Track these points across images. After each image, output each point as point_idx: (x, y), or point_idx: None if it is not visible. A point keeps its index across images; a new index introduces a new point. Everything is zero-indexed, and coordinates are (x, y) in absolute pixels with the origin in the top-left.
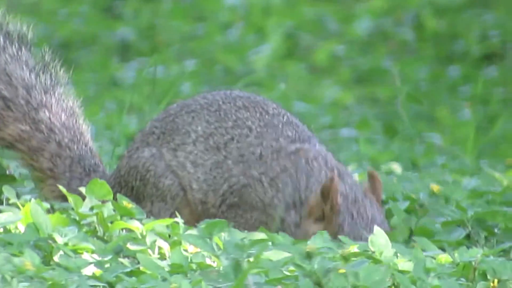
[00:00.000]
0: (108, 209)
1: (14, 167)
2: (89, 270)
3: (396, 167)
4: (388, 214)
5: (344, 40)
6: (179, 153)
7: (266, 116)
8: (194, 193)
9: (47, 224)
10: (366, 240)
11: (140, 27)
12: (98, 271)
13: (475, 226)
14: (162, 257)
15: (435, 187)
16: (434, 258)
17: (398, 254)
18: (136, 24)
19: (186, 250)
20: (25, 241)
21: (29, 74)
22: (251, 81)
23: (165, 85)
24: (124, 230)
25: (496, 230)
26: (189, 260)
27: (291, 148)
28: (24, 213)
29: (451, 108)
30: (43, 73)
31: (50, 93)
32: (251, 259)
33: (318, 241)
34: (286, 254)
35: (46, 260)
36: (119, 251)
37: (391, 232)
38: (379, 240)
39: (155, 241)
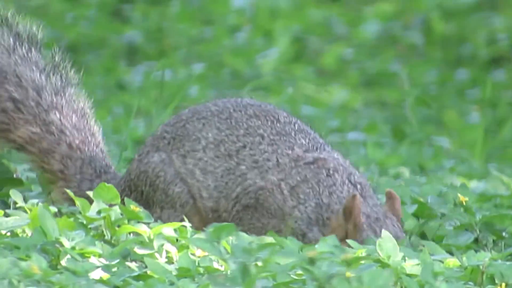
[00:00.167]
0: (115, 213)
1: (21, 170)
2: (96, 274)
3: (404, 171)
4: None
5: (352, 44)
6: (188, 160)
7: (278, 124)
8: (204, 201)
9: (54, 228)
10: None
11: (147, 30)
12: (105, 275)
13: (483, 230)
14: (170, 261)
15: (462, 198)
16: (442, 262)
17: (406, 258)
18: (144, 28)
19: (193, 254)
20: (32, 245)
21: (39, 75)
22: (259, 84)
23: (173, 88)
24: (131, 234)
25: (504, 234)
26: (196, 264)
27: (309, 158)
28: (32, 217)
29: (460, 112)
30: (53, 74)
31: (61, 94)
32: (259, 263)
33: (323, 246)
34: (294, 258)
35: (53, 264)
36: (126, 255)
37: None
38: (387, 244)
39: (162, 245)
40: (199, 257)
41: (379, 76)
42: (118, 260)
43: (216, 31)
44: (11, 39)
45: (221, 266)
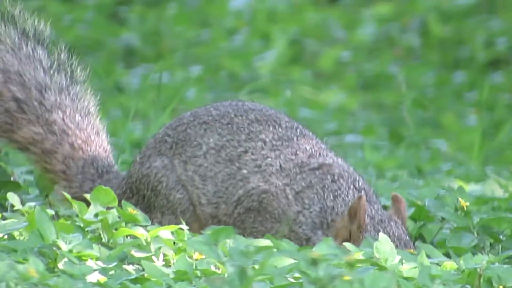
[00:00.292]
0: (112, 216)
1: (18, 173)
2: (93, 277)
3: (402, 174)
4: None
5: (349, 46)
6: (189, 166)
7: (280, 130)
8: (203, 208)
9: (51, 231)
10: None
11: (145, 33)
12: (102, 278)
13: (481, 232)
14: (167, 264)
15: (463, 203)
16: (439, 265)
17: (403, 261)
18: (141, 30)
19: (191, 257)
20: (30, 248)
21: (44, 74)
22: (256, 87)
23: (170, 91)
24: (128, 237)
25: (501, 237)
26: (194, 267)
27: (314, 164)
28: (29, 220)
29: (457, 114)
30: (58, 72)
31: (65, 93)
32: (256, 266)
33: (323, 248)
34: (291, 261)
35: (51, 267)
36: (123, 258)
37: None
38: (384, 247)
39: (160, 248)
40: (196, 260)
41: (377, 78)
42: (115, 263)
43: (213, 33)
44: (17, 37)
45: (219, 269)
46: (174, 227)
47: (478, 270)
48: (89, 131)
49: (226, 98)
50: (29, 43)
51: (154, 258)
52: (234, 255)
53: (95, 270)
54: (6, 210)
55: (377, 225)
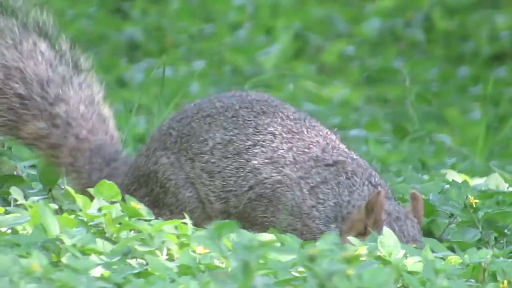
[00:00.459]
0: (116, 210)
1: (21, 168)
2: (97, 272)
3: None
4: None
5: (353, 41)
6: (196, 164)
7: (288, 122)
8: (212, 205)
9: (55, 225)
10: None
11: (148, 27)
12: (106, 273)
13: (485, 227)
14: (171, 258)
15: (472, 200)
16: (444, 259)
17: (407, 255)
18: (144, 25)
19: (194, 251)
20: (33, 243)
21: (45, 67)
22: (260, 81)
23: (174, 85)
24: (132, 231)
25: (506, 231)
26: (197, 261)
27: (328, 160)
28: (32, 214)
29: (461, 109)
30: (60, 64)
31: (68, 85)
32: (260, 261)
33: (325, 243)
34: (295, 256)
35: (54, 262)
36: (127, 253)
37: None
38: (388, 241)
39: (163, 242)
40: (200, 254)
41: (381, 73)
42: (119, 258)
43: (216, 28)
44: (18, 31)
45: (222, 263)
46: (177, 222)
47: (483, 264)
48: (94, 120)
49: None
50: (31, 36)
51: (157, 252)
52: (238, 250)
53: (99, 264)
54: (9, 205)
55: (393, 222)
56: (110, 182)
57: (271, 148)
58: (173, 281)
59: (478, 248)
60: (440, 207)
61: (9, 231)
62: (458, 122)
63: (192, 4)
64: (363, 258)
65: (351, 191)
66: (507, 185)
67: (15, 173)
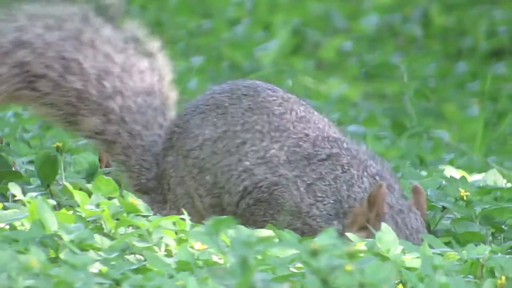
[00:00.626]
0: (114, 206)
1: (20, 163)
2: (95, 267)
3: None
4: None
5: (351, 36)
6: (188, 160)
7: (274, 118)
8: (202, 199)
9: (53, 221)
10: None
11: (146, 23)
12: (104, 268)
13: (483, 223)
14: (169, 254)
15: (463, 193)
16: (442, 255)
17: (406, 251)
18: (142, 20)
19: (192, 247)
20: (31, 238)
21: (104, 57)
22: (258, 77)
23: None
24: (130, 227)
25: (504, 227)
26: (195, 257)
27: (321, 155)
28: (30, 210)
29: (459, 105)
30: (122, 51)
31: (127, 75)
32: (259, 256)
33: (325, 238)
34: (294, 251)
35: (52, 258)
36: (125, 248)
37: None
38: (387, 237)
39: (161, 238)
40: (198, 250)
41: (379, 68)
42: (117, 254)
43: (215, 23)
44: (78, 20)
45: (220, 259)
46: (175, 218)
47: (481, 260)
48: (150, 114)
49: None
50: (91, 24)
51: (156, 248)
52: (236, 245)
53: (97, 260)
54: (7, 200)
55: (396, 215)
56: (108, 178)
57: (261, 146)
58: (171, 277)
59: (476, 244)
60: (437, 203)
61: (7, 227)
62: (456, 118)
63: (190, 0)
64: (362, 255)
65: (350, 184)
66: (505, 181)
67: (13, 168)
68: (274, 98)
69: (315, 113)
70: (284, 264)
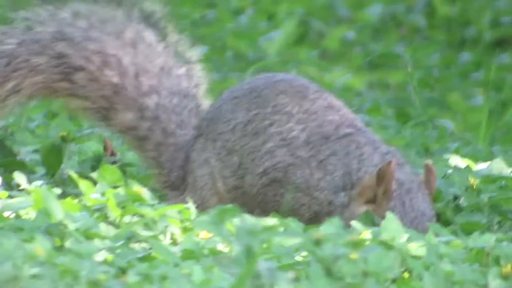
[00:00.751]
0: (119, 195)
1: (25, 152)
2: (100, 256)
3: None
4: None
5: (355, 26)
6: (217, 143)
7: (306, 102)
8: (226, 180)
9: (58, 210)
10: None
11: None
12: (109, 257)
13: (489, 211)
14: (174, 243)
15: (474, 181)
16: (447, 244)
17: (411, 240)
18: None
19: (198, 236)
20: (36, 227)
21: (144, 57)
22: (263, 67)
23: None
24: (135, 216)
25: (510, 216)
26: (201, 246)
27: (339, 134)
28: (35, 199)
29: (463, 94)
30: (162, 54)
31: (165, 76)
32: (264, 245)
33: (329, 227)
34: (298, 240)
35: (58, 246)
36: (130, 237)
37: None
38: (392, 225)
39: (166, 227)
40: (203, 239)
41: (383, 58)
42: (122, 242)
43: (219, 13)
44: (121, 21)
45: (226, 248)
46: (181, 206)
47: (486, 249)
48: (185, 114)
49: (232, 79)
50: (134, 26)
51: (161, 237)
52: (241, 234)
53: (102, 248)
54: (12, 189)
55: (404, 195)
56: (113, 167)
57: (286, 128)
58: (176, 265)
59: (482, 233)
60: (447, 192)
61: (13, 215)
62: (460, 108)
63: None
64: (367, 243)
65: (361, 159)
66: (510, 170)
67: (18, 158)
68: (312, 85)
69: (345, 107)
70: (289, 252)
